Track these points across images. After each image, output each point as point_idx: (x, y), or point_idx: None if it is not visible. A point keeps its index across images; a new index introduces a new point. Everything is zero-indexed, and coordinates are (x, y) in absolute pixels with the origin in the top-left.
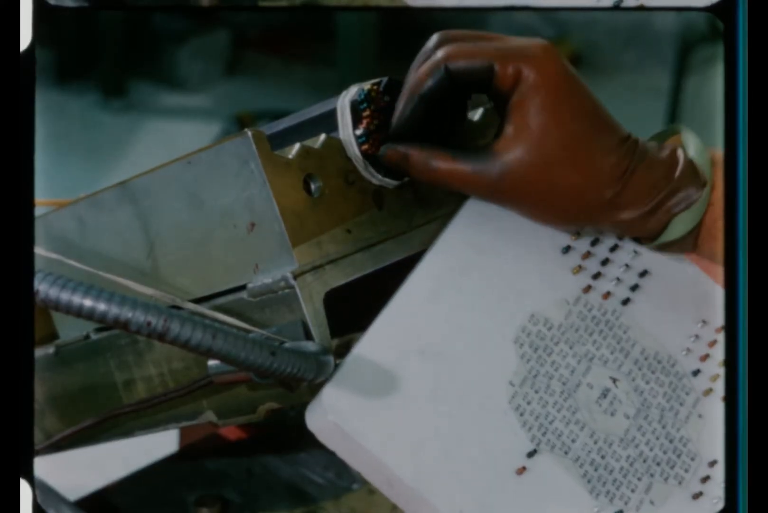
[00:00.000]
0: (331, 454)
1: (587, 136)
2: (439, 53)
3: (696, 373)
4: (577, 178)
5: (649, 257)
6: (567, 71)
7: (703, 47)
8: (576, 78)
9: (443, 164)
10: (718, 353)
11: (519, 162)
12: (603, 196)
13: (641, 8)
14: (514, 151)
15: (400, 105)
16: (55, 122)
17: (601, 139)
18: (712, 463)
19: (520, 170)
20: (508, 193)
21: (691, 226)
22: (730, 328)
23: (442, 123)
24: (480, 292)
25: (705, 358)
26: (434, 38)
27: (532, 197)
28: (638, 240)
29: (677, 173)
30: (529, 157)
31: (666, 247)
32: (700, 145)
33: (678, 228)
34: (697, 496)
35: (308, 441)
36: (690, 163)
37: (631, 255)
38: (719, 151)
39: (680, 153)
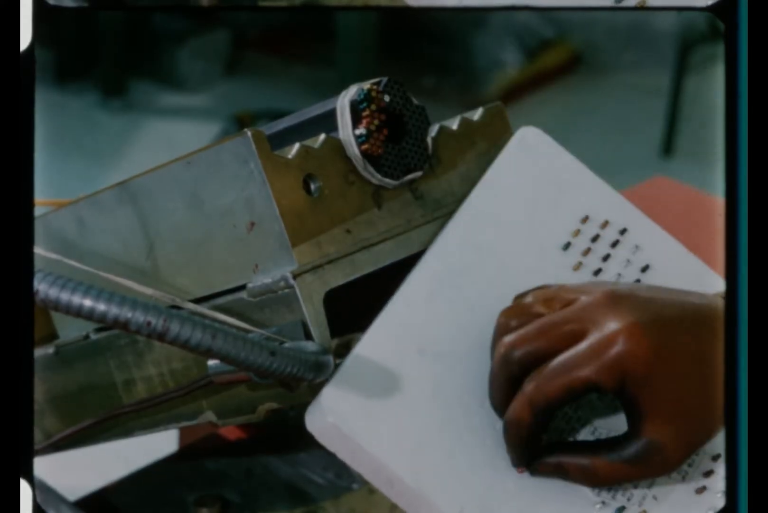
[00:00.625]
0: (332, 455)
1: (709, 386)
2: (530, 389)
3: None
4: (717, 410)
5: (650, 252)
6: (659, 339)
7: (703, 47)
8: (668, 330)
9: (603, 467)
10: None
11: (671, 438)
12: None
13: (641, 8)
14: (661, 431)
15: (511, 440)
16: (55, 122)
17: (712, 345)
18: (716, 457)
19: (673, 444)
20: (674, 465)
21: None
22: (731, 328)
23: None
24: (479, 291)
25: None
26: (507, 353)
27: (690, 450)
28: None
29: None
30: (675, 432)
31: None
32: None
33: None
34: (700, 490)
35: (308, 441)
36: None
37: (632, 250)
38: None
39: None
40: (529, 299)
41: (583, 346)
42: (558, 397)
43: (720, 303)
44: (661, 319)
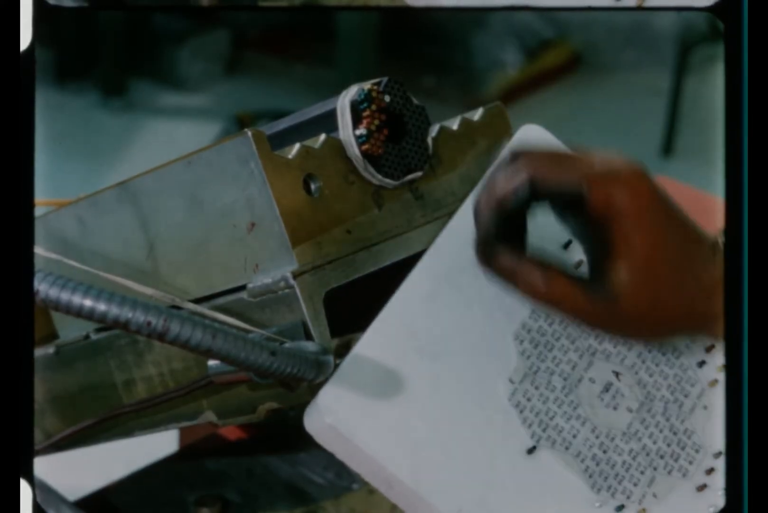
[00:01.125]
0: (332, 455)
1: (687, 254)
2: (523, 170)
3: (701, 364)
4: (683, 299)
5: None
6: (658, 192)
7: (703, 47)
8: (665, 198)
9: (557, 287)
10: (723, 344)
11: (629, 291)
12: (706, 309)
13: (641, 8)
14: (625, 277)
15: (483, 219)
16: (55, 122)
17: (697, 254)
18: (717, 455)
19: (630, 298)
20: (616, 319)
21: None
22: (731, 326)
23: (525, 238)
24: (479, 289)
25: (710, 349)
26: (508, 154)
27: (639, 322)
28: None
29: None
30: (638, 285)
31: None
32: None
33: None
34: (701, 488)
35: (308, 441)
36: None
37: None
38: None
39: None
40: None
41: (589, 158)
42: (547, 190)
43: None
44: (666, 193)
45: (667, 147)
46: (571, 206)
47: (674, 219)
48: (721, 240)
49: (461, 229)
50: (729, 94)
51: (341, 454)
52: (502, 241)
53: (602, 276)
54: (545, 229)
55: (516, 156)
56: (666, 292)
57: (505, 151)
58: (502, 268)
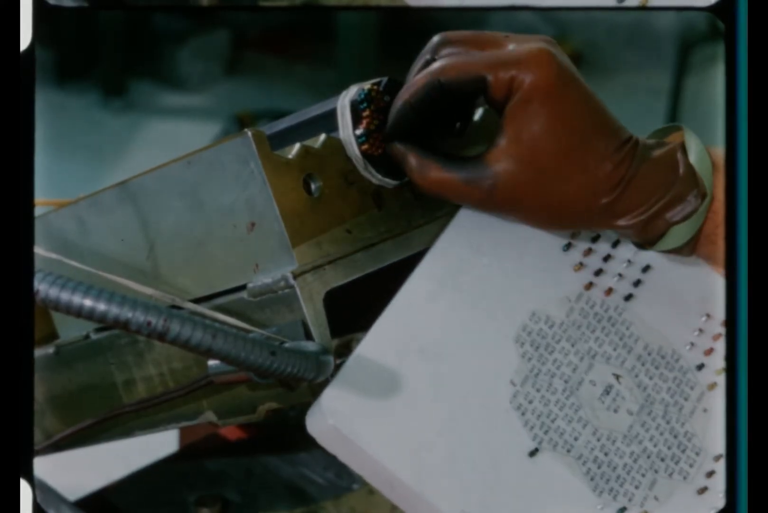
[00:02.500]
0: (332, 455)
1: (581, 144)
2: (434, 65)
3: (700, 367)
4: (570, 187)
5: (651, 253)
6: (561, 76)
7: (703, 47)
8: (572, 82)
9: (434, 173)
10: (723, 347)
11: (510, 173)
12: (598, 203)
13: (642, 8)
14: (505, 162)
15: (393, 111)
16: (55, 122)
17: (596, 146)
18: (718, 458)
19: (510, 181)
20: (500, 203)
21: (688, 237)
22: (731, 324)
23: (443, 128)
24: (480, 291)
25: (710, 352)
26: (433, 41)
27: (524, 207)
28: (637, 244)
29: (677, 181)
30: (520, 168)
31: (664, 252)
32: (702, 150)
33: (675, 238)
34: (702, 490)
35: (308, 441)
36: (690, 170)
37: (634, 250)
38: (719, 151)
39: (680, 157)
40: None
41: (495, 49)
42: (452, 82)
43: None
44: (572, 77)
45: None
46: (485, 95)
47: (575, 110)
48: (641, 139)
49: (462, 230)
50: (729, 94)
51: (343, 455)
52: (411, 135)
53: (483, 161)
54: (544, 233)
55: (438, 45)
56: (552, 180)
57: (432, 40)
58: (393, 154)
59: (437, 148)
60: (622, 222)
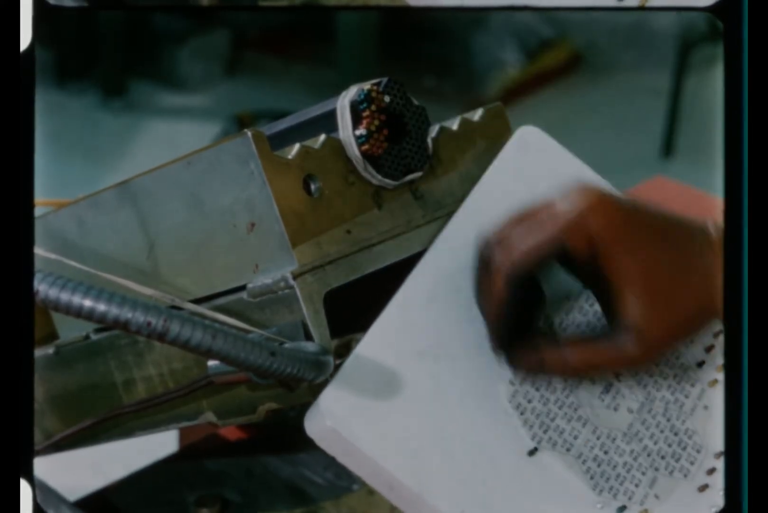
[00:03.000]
0: (331, 456)
1: (681, 252)
2: (504, 267)
3: (701, 364)
4: (696, 293)
5: None
6: (625, 210)
7: (703, 47)
8: (638, 209)
9: (581, 355)
10: (723, 344)
11: (643, 322)
12: (713, 302)
13: (642, 8)
14: (633, 315)
15: (490, 317)
16: (55, 122)
17: (691, 247)
18: (719, 455)
19: (647, 329)
20: (648, 348)
21: None
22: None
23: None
24: None
25: (710, 348)
26: (483, 246)
27: (669, 337)
28: None
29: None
30: (648, 306)
31: None
32: None
33: None
34: (703, 488)
35: (308, 441)
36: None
37: None
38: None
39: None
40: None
41: (547, 212)
42: (527, 262)
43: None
44: (635, 203)
45: (667, 147)
46: (564, 261)
47: (655, 226)
48: (710, 223)
49: (461, 230)
50: (729, 94)
51: (342, 457)
52: (514, 336)
53: (616, 318)
54: None
55: (486, 252)
56: (677, 297)
57: (480, 245)
58: (529, 366)
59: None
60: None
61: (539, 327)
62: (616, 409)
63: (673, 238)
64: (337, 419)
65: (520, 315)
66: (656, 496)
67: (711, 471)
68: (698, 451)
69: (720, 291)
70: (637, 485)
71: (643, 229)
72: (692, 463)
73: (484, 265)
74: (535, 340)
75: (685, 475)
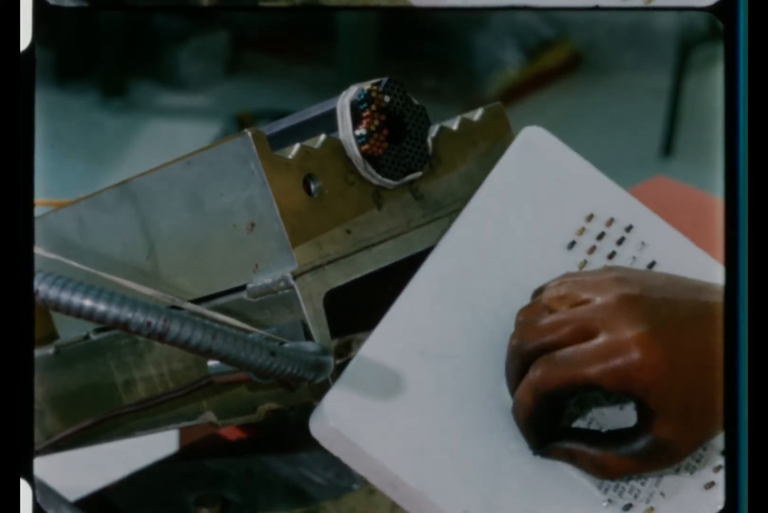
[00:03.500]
0: (331, 455)
1: (704, 338)
2: (535, 380)
3: None
4: (718, 404)
5: (656, 248)
6: (669, 351)
7: (703, 47)
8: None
9: (615, 463)
10: None
11: (677, 434)
12: None
13: (641, 8)
14: (667, 429)
15: (520, 422)
16: (55, 122)
17: (714, 324)
18: (725, 452)
19: (680, 438)
20: (677, 457)
21: None
22: (730, 326)
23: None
24: (484, 292)
25: None
26: (516, 347)
27: (698, 443)
28: None
29: None
30: (682, 423)
31: None
32: None
33: None
34: (709, 485)
35: (308, 441)
36: None
37: (638, 247)
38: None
39: None
40: (545, 297)
41: (592, 344)
42: (558, 388)
43: None
44: (673, 326)
45: (667, 147)
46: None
47: (670, 316)
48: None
49: (466, 231)
50: (728, 94)
51: (346, 457)
52: (544, 435)
53: (646, 431)
54: (549, 229)
55: (520, 349)
56: (707, 401)
57: (513, 343)
58: (560, 454)
59: None
60: None
61: (566, 416)
62: (621, 408)
63: (694, 320)
64: (340, 420)
65: (548, 418)
66: (662, 494)
67: (717, 468)
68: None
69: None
70: (642, 483)
71: (681, 359)
72: (698, 461)
73: (516, 359)
74: (563, 438)
75: (691, 473)
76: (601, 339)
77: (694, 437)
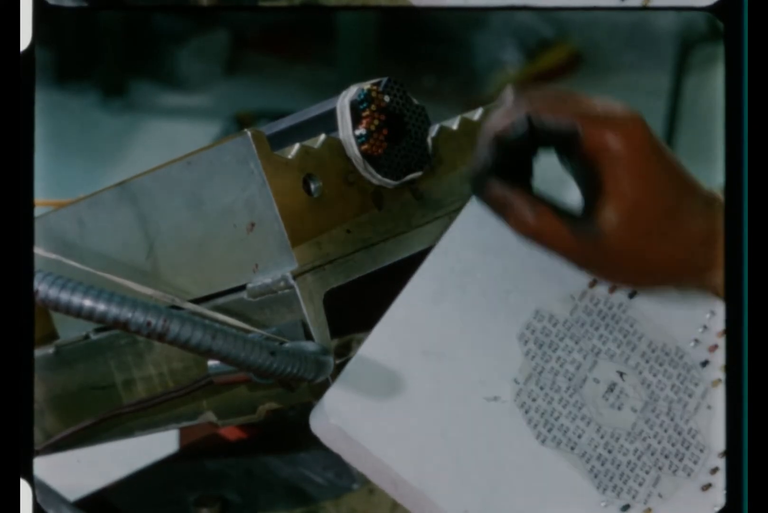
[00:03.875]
0: (331, 454)
1: (676, 202)
2: (525, 106)
3: (704, 363)
4: (669, 245)
5: None
6: (653, 139)
7: (703, 47)
8: (661, 145)
9: (544, 222)
10: None
11: (615, 231)
12: (695, 262)
13: (642, 8)
14: (611, 220)
15: (480, 147)
16: (55, 122)
17: (690, 206)
18: (722, 454)
19: (615, 239)
20: (600, 260)
21: None
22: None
23: (527, 177)
24: (483, 290)
25: (713, 348)
26: (510, 92)
27: (623, 266)
28: None
29: None
30: (625, 227)
31: None
32: None
33: None
34: (706, 487)
35: (308, 441)
36: None
37: None
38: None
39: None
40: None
41: (589, 100)
42: (544, 125)
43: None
44: (659, 141)
45: None
46: (568, 146)
47: (669, 168)
48: (719, 195)
49: (465, 229)
50: (729, 94)
51: (347, 455)
52: (501, 176)
53: (591, 215)
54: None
55: (516, 95)
56: (653, 238)
57: (506, 91)
58: (493, 197)
59: None
60: (716, 279)
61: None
62: (620, 409)
63: (679, 188)
64: (341, 418)
65: (516, 159)
66: (660, 495)
67: (714, 470)
68: (701, 451)
69: (704, 262)
70: (640, 484)
71: (658, 165)
72: (695, 463)
73: (502, 112)
74: (516, 190)
75: (689, 475)
76: (600, 100)
77: (626, 249)
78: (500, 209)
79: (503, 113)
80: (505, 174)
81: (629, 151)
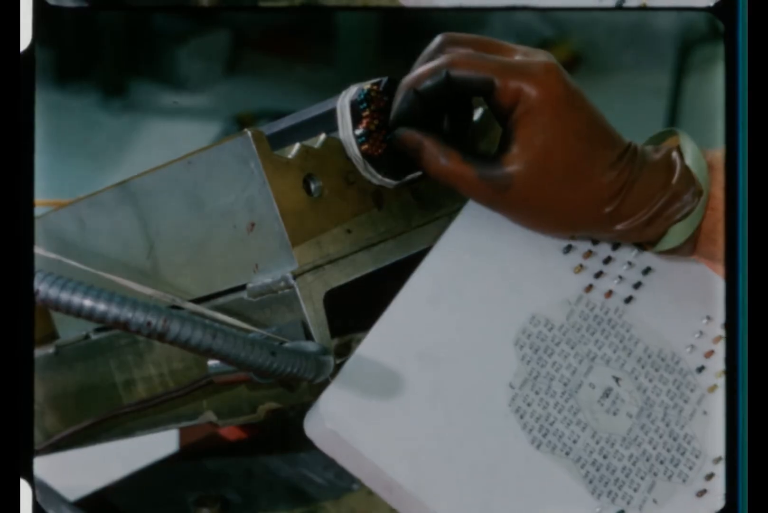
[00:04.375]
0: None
1: (588, 154)
2: (443, 58)
3: (700, 369)
4: (578, 195)
5: (652, 254)
6: (568, 90)
7: (703, 47)
8: (577, 95)
9: (452, 164)
10: (723, 349)
11: (523, 177)
12: (601, 211)
13: (642, 8)
14: (519, 166)
15: (397, 99)
16: (55, 122)
17: (601, 156)
18: (717, 460)
19: (523, 185)
20: (508, 204)
21: (687, 234)
22: (731, 327)
23: (443, 125)
24: (480, 294)
25: (710, 354)
26: (437, 40)
27: (531, 212)
28: (639, 245)
29: (674, 182)
30: (532, 174)
31: (665, 252)
32: (696, 152)
33: (675, 237)
34: (701, 493)
35: (308, 441)
36: (686, 171)
37: (635, 252)
38: (719, 152)
39: (676, 158)
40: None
41: (511, 49)
42: (460, 77)
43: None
44: (576, 90)
45: None
46: (486, 96)
47: (583, 119)
48: (638, 145)
49: (463, 232)
50: (729, 94)
51: (342, 459)
52: (417, 123)
53: (500, 162)
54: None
55: (443, 44)
56: (559, 187)
57: (434, 41)
58: (407, 139)
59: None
60: (621, 227)
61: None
62: (615, 414)
63: (593, 140)
64: (336, 421)
65: (434, 106)
66: (654, 501)
67: (709, 476)
68: (697, 457)
69: (614, 211)
70: (635, 490)
71: (570, 116)
72: (691, 469)
73: (425, 58)
74: (430, 135)
75: (684, 480)
76: (517, 53)
77: (535, 204)
78: (413, 152)
79: (423, 63)
80: (420, 121)
81: (541, 102)
